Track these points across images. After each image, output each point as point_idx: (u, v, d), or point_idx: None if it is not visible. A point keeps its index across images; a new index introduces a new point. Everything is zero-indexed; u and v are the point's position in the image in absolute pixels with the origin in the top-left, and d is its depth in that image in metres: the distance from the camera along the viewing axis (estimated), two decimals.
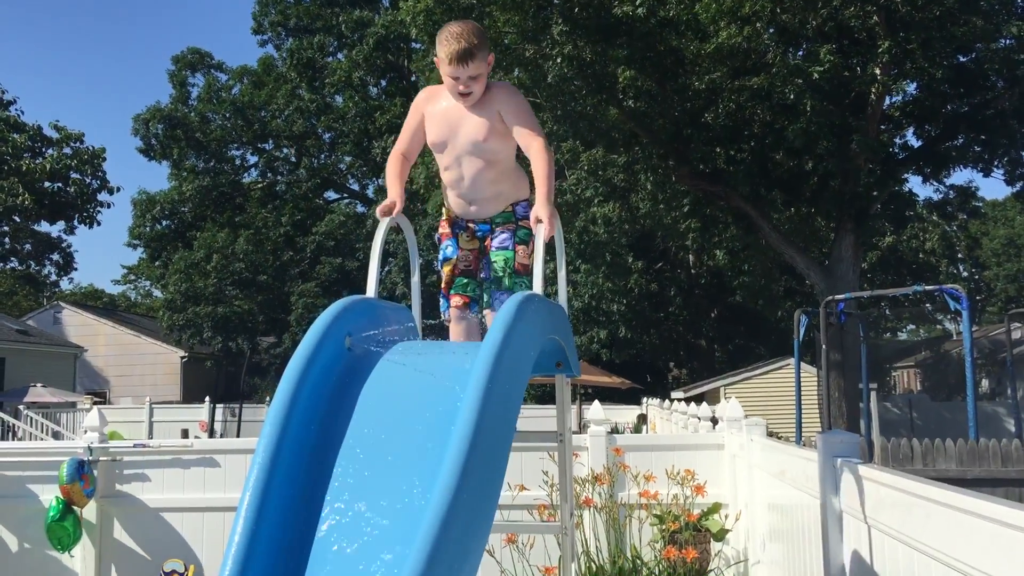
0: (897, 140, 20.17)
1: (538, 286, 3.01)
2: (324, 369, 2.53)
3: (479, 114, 3.19)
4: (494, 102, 3.18)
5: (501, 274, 3.31)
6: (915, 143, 20.30)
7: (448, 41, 3.06)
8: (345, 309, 2.67)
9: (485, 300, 3.43)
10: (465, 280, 3.43)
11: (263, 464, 2.27)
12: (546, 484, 5.72)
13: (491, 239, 3.41)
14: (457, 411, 2.25)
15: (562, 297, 3.47)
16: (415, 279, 3.50)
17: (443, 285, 3.48)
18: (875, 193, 18.11)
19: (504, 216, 3.41)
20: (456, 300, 3.42)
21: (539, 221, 2.99)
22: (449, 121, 3.23)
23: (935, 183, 21.83)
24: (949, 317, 42.49)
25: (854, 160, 16.99)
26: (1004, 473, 8.30)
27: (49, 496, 6.05)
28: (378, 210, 3.12)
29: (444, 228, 3.51)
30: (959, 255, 43.02)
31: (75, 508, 5.99)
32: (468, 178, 3.30)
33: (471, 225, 3.45)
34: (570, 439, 3.17)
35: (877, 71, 16.29)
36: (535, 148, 3.16)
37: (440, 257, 3.51)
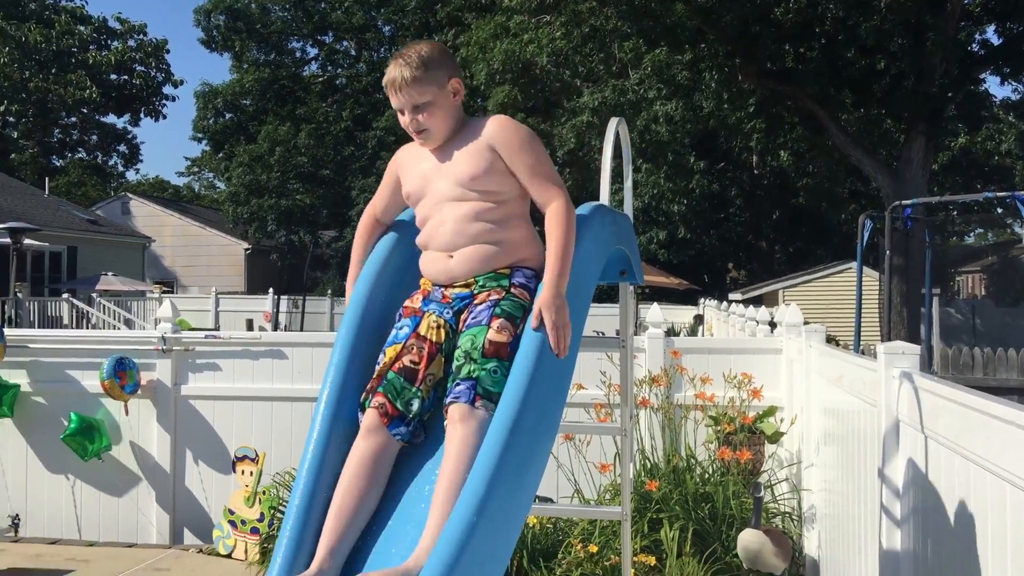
0: (976, 38, 19.38)
1: (604, 196, 3.06)
2: (398, 270, 2.63)
3: (464, 147, 2.45)
4: (485, 136, 2.43)
5: (462, 360, 2.28)
6: (995, 41, 19.49)
7: (388, 68, 2.44)
8: None
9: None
10: (402, 383, 2.31)
11: (342, 356, 2.41)
12: (603, 384, 5.84)
13: (467, 313, 2.39)
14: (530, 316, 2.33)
15: (627, 206, 3.49)
16: None
17: (374, 377, 2.37)
18: (950, 94, 17.51)
19: (493, 278, 2.42)
20: (378, 401, 2.30)
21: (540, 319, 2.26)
22: (428, 167, 2.50)
23: (1013, 83, 21.00)
24: (1020, 222, 41.37)
25: (929, 59, 16.39)
26: None
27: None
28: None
29: (411, 302, 2.49)
30: None
31: (97, 420, 6.34)
32: (450, 222, 2.43)
33: (448, 294, 2.44)
34: (632, 345, 3.24)
35: None
36: (552, 206, 2.40)
37: (388, 339, 2.45)
